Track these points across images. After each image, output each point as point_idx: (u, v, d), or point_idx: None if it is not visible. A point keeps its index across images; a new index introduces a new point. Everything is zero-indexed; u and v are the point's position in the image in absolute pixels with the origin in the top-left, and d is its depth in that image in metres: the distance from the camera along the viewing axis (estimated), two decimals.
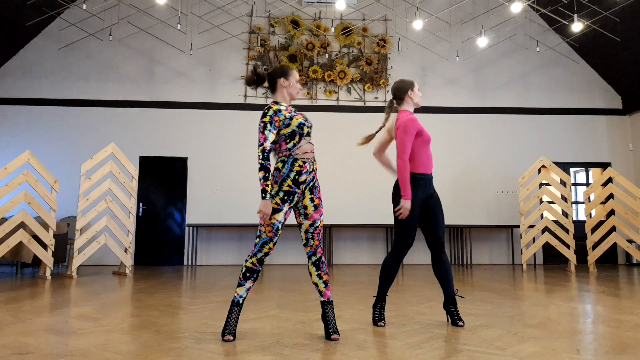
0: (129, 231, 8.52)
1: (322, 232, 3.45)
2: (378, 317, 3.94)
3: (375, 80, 11.45)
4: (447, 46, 11.66)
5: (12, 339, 3.37)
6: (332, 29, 11.16)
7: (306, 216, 3.43)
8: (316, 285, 3.48)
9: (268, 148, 3.29)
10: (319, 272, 3.47)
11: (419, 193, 3.86)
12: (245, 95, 11.28)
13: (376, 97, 11.46)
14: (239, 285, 3.37)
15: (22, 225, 7.61)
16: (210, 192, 10.99)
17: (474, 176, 11.38)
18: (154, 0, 10.48)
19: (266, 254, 3.35)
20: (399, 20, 11.53)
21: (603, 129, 11.79)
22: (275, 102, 3.52)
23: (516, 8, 8.59)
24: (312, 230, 3.44)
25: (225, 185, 11.00)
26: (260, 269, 3.38)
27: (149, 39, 11.31)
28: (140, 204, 10.78)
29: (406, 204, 3.77)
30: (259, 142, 3.32)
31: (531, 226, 10.00)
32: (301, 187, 3.38)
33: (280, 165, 3.38)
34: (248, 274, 3.36)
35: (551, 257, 11.06)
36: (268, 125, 3.32)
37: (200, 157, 11.09)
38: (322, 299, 3.48)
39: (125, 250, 8.44)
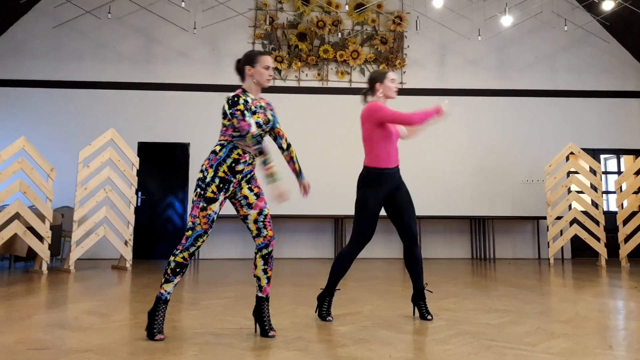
0: (129, 222, 8.67)
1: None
2: (326, 312, 4.12)
3: (390, 60, 11.51)
4: (468, 24, 11.69)
5: (23, 334, 3.54)
6: (346, 5, 11.19)
7: (250, 206, 3.53)
8: (258, 279, 3.57)
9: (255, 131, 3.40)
10: (266, 266, 3.56)
11: (380, 188, 4.10)
12: None
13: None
14: (167, 281, 3.41)
15: (17, 216, 7.74)
16: None
17: (497, 164, 11.47)
18: None
19: (199, 247, 3.41)
20: None
21: (636, 113, 11.85)
22: (244, 91, 3.57)
23: None
24: (262, 219, 3.53)
25: None
26: (189, 262, 3.45)
27: (148, 17, 11.40)
28: (139, 194, 10.92)
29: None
30: (245, 130, 3.36)
31: (559, 217, 10.10)
32: (237, 176, 3.47)
33: (218, 148, 3.47)
34: (177, 269, 3.40)
35: (580, 251, 11.17)
36: (246, 112, 3.41)
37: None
38: (260, 295, 3.57)
39: (125, 243, 8.59)
